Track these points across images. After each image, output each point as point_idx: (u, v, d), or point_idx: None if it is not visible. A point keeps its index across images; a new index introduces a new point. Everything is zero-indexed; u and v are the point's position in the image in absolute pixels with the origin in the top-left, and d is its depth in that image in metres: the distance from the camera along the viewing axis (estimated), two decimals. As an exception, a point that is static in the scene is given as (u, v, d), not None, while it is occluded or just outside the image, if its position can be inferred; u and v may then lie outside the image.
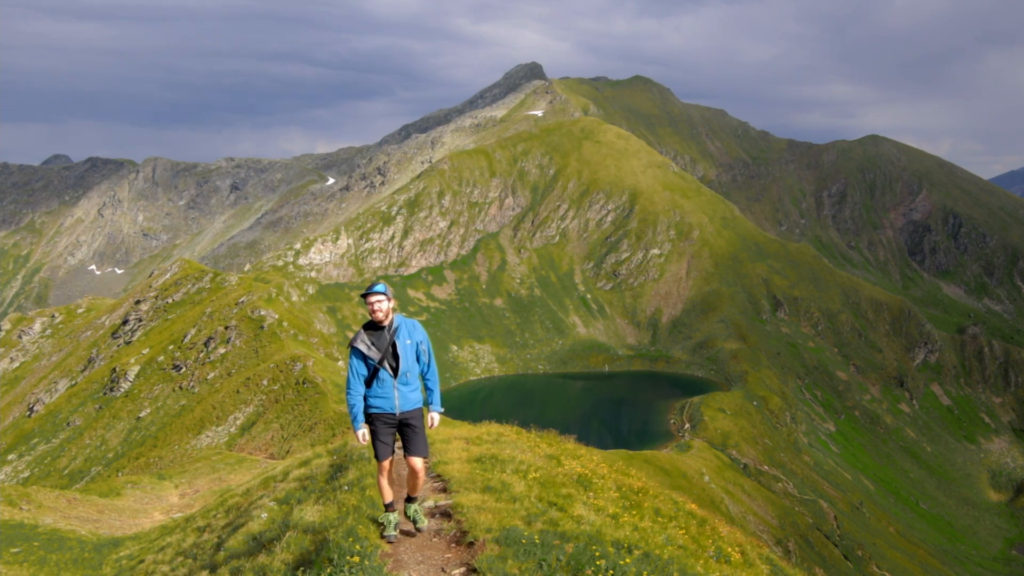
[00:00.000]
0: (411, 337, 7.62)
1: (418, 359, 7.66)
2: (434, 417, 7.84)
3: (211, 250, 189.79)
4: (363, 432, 7.51)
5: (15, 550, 15.33)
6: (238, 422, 38.31)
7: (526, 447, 12.84)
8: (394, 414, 7.48)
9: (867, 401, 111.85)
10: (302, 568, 6.97)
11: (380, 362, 7.46)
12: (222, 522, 13.93)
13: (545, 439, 15.19)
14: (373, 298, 7.47)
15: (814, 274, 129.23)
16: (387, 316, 7.52)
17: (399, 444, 7.84)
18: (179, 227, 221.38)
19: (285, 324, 50.03)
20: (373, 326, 7.61)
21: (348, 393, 7.55)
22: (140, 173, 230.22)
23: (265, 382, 40.44)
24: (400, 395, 7.52)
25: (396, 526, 7.75)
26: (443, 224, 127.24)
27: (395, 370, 7.50)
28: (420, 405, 7.63)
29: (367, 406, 7.56)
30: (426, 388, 7.76)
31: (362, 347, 7.50)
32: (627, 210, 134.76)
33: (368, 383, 7.55)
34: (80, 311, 72.25)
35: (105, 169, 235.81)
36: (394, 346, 7.52)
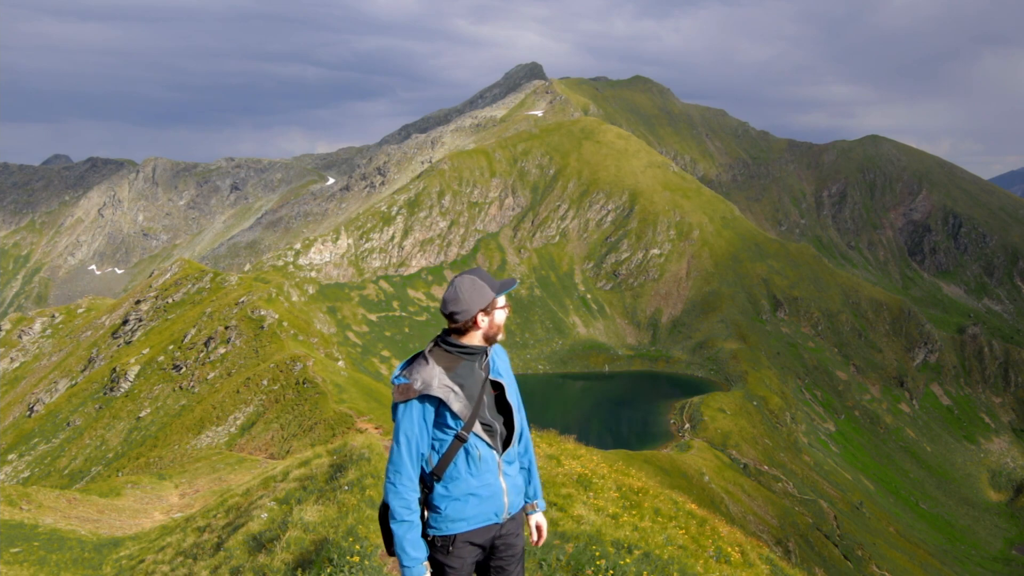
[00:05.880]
0: (507, 371, 4.05)
1: None
2: (540, 522, 4.22)
3: (211, 250, 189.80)
4: None
5: (15, 550, 15.33)
6: (238, 422, 38.29)
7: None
8: (499, 524, 3.91)
9: (867, 401, 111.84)
10: (302, 568, 6.96)
11: (470, 423, 3.74)
12: (222, 522, 13.92)
13: (545, 439, 15.20)
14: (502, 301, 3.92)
15: (814, 274, 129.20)
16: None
17: None
18: (179, 227, 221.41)
19: (285, 324, 50.00)
20: (448, 348, 3.81)
21: (392, 488, 3.70)
22: (140, 173, 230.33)
23: (265, 382, 40.41)
24: (509, 486, 3.93)
25: None
26: (443, 224, 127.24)
27: (502, 438, 3.89)
28: (522, 505, 4.13)
29: (442, 517, 3.79)
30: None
31: (443, 393, 3.67)
32: (627, 210, 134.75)
33: (440, 470, 3.76)
34: (80, 311, 72.20)
35: (105, 169, 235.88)
36: (498, 389, 3.91)
